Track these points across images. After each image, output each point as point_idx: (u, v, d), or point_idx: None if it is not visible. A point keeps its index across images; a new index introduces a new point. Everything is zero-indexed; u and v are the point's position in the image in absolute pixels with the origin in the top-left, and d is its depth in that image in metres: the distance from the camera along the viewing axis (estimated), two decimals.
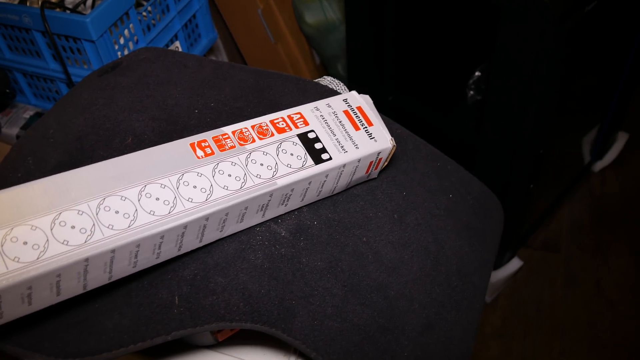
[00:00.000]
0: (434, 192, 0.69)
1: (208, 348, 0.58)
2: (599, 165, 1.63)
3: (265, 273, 0.51)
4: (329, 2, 1.44)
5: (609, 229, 1.52)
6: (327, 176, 0.55)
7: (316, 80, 0.73)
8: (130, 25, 1.03)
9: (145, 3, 1.11)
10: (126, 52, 1.03)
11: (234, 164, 0.49)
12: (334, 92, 0.70)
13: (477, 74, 1.59)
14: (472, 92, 1.63)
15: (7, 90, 1.04)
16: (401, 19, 1.22)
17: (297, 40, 1.54)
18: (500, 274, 1.34)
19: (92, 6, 1.06)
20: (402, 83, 1.32)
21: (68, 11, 1.03)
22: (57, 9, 1.01)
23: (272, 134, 0.54)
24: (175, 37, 1.16)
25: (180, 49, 1.18)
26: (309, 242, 0.56)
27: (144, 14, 1.08)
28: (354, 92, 0.62)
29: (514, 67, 0.96)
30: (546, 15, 0.87)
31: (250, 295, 0.49)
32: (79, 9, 1.08)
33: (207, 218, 0.46)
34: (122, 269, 0.44)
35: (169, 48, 1.15)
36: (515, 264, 1.36)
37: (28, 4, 1.03)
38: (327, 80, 0.74)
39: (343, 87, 0.74)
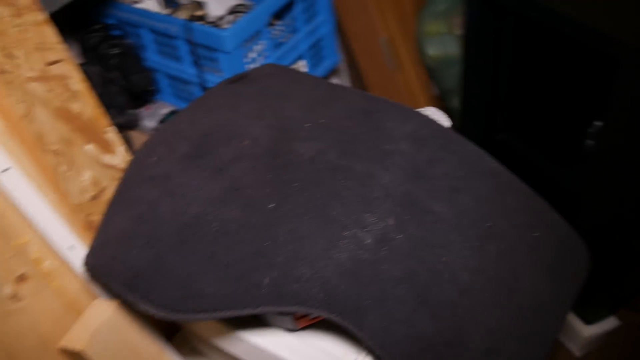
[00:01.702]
0: (520, 228, 0.72)
1: (288, 331, 0.64)
2: None
3: (346, 272, 0.57)
4: (452, 37, 1.49)
5: None
6: None
7: (419, 109, 0.78)
8: (262, 42, 1.13)
9: (277, 23, 1.22)
10: (256, 65, 1.14)
11: None
12: (434, 122, 0.75)
13: (599, 123, 1.57)
14: (591, 142, 1.60)
15: (151, 88, 1.18)
16: (517, 60, 1.24)
17: (416, 70, 1.60)
18: (593, 330, 1.30)
19: (230, 22, 1.18)
20: (513, 123, 1.34)
21: (209, 25, 1.15)
22: (201, 22, 1.14)
23: None
24: (302, 57, 1.25)
25: (305, 68, 1.27)
26: (390, 252, 0.61)
27: (275, 32, 1.18)
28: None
29: (630, 122, 0.94)
30: None
31: (330, 288, 0.56)
32: (219, 22, 1.20)
33: None
34: None
35: (294, 66, 1.24)
36: (611, 323, 1.32)
37: (176, 15, 1.17)
38: (431, 111, 0.79)
39: (445, 118, 0.79)
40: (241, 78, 0.80)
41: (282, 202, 0.61)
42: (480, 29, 1.18)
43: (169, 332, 0.84)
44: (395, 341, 0.56)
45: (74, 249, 0.67)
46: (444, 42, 1.52)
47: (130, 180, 0.67)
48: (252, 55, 1.13)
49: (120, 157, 0.72)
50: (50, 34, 0.64)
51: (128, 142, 1.02)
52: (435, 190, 0.68)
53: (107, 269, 0.62)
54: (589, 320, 1.30)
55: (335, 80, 1.60)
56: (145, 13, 1.15)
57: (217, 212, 0.60)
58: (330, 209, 0.61)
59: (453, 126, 0.75)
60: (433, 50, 1.54)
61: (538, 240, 0.73)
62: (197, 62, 1.11)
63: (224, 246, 0.57)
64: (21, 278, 0.64)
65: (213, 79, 1.13)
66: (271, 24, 1.21)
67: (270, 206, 0.61)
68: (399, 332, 0.57)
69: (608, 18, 0.92)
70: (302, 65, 1.26)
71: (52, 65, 0.64)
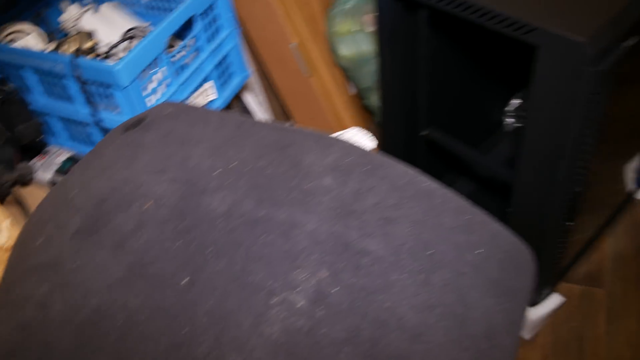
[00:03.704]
0: (462, 249, 0.67)
1: None
2: None
3: (281, 349, 0.50)
4: (364, 35, 1.43)
5: None
6: None
7: (340, 132, 0.72)
8: (162, 69, 1.04)
9: (177, 44, 1.12)
10: (158, 96, 1.04)
11: None
12: (356, 147, 0.69)
13: (516, 101, 1.56)
14: (511, 120, 1.60)
15: (38, 140, 1.06)
16: (434, 53, 1.20)
17: (331, 72, 1.53)
18: (540, 311, 1.30)
19: (127, 48, 1.08)
20: (436, 117, 1.30)
21: (100, 57, 1.05)
22: (90, 56, 1.03)
23: None
24: (208, 78, 1.17)
25: (213, 89, 1.19)
26: (328, 311, 0.54)
27: (175, 56, 1.09)
28: None
29: (549, 106, 0.93)
30: (582, 56, 0.84)
31: None
32: (113, 52, 1.10)
33: None
34: None
35: (201, 89, 1.15)
36: (555, 300, 1.32)
37: (61, 51, 1.06)
38: (353, 132, 0.73)
39: (368, 138, 0.72)
40: (136, 123, 0.71)
41: (197, 275, 0.53)
42: (393, 25, 1.13)
43: None
44: None
45: None
46: (356, 41, 1.46)
47: (14, 272, 0.57)
48: (152, 85, 1.03)
49: (4, 235, 0.63)
50: None
51: (21, 204, 0.91)
52: (367, 226, 0.62)
53: None
54: (533, 302, 1.29)
55: (249, 95, 1.52)
56: (25, 52, 1.04)
57: (120, 301, 0.51)
58: (252, 274, 0.54)
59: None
60: (346, 49, 1.48)
61: (482, 257, 0.69)
62: (90, 101, 1.00)
63: (133, 344, 0.49)
64: None
65: (110, 117, 1.03)
66: (171, 46, 1.11)
67: (183, 282, 0.53)
68: None
69: (526, 8, 0.90)
70: (209, 87, 1.17)
71: None
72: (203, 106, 1.04)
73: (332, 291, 0.56)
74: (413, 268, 0.62)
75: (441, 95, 1.29)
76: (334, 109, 1.56)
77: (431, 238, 0.65)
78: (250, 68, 1.57)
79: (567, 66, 0.86)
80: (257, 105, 1.54)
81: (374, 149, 0.67)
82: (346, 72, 1.55)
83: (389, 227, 0.64)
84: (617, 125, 1.22)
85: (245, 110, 1.54)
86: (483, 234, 0.71)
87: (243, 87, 1.45)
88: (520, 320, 0.70)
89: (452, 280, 0.63)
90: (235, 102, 1.50)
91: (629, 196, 1.58)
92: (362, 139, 0.71)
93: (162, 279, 0.53)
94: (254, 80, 1.57)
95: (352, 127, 0.72)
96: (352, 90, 1.64)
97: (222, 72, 1.22)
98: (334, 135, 0.71)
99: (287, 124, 0.71)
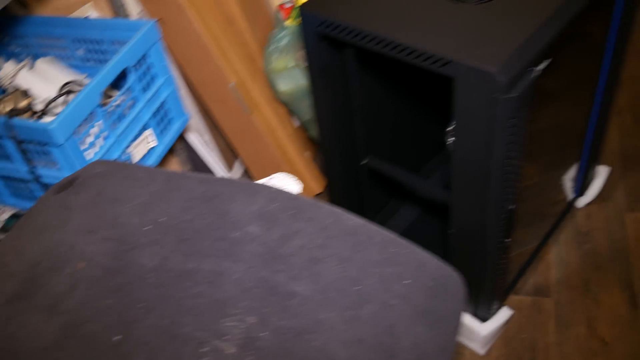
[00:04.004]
0: (389, 281, 0.70)
1: None
2: (582, 202, 1.64)
3: None
4: (300, 70, 1.47)
5: (597, 265, 1.52)
6: None
7: (266, 179, 0.75)
8: (98, 123, 1.06)
9: (114, 94, 1.14)
10: (96, 149, 1.06)
11: None
12: (282, 193, 0.72)
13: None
14: (452, 139, 1.65)
15: None
16: (365, 86, 1.24)
17: (273, 108, 1.57)
18: (491, 326, 1.33)
19: (64, 103, 1.10)
20: (375, 146, 1.34)
21: (37, 115, 1.06)
22: (26, 115, 1.05)
23: None
24: (147, 126, 1.19)
25: (153, 136, 1.21)
26: (257, 354, 0.57)
27: (112, 108, 1.11)
28: None
29: (472, 132, 0.98)
30: (494, 84, 0.89)
31: None
32: (50, 108, 1.11)
33: None
34: None
35: (141, 137, 1.18)
36: (504, 314, 1.36)
37: None
38: (279, 178, 0.76)
39: (294, 182, 0.76)
40: (68, 184, 0.74)
41: (129, 332, 0.55)
42: (323, 61, 1.17)
43: None
44: None
45: None
46: (293, 76, 1.50)
47: None
48: (90, 139, 1.05)
49: None
50: None
51: None
52: (293, 269, 0.65)
53: None
54: (483, 318, 1.33)
55: (192, 135, 1.54)
56: None
57: None
58: (182, 326, 0.56)
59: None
60: (284, 85, 1.52)
61: (410, 287, 0.72)
62: (28, 159, 1.02)
63: None
64: None
65: (50, 173, 1.04)
66: (109, 96, 1.13)
67: (115, 339, 0.55)
68: None
69: (441, 42, 0.94)
70: (149, 134, 1.19)
71: None
72: (138, 160, 1.06)
73: (261, 335, 0.58)
74: (341, 305, 0.65)
75: (377, 124, 1.33)
76: (279, 143, 1.59)
77: (358, 274, 0.68)
78: (194, 108, 1.60)
79: (482, 95, 0.90)
80: (201, 144, 1.56)
81: (300, 193, 0.71)
82: (287, 106, 1.59)
83: (316, 267, 0.67)
84: (546, 139, 1.28)
85: (191, 150, 1.56)
86: (410, 264, 0.74)
87: (186, 128, 1.48)
88: (451, 344, 0.73)
89: (380, 312, 0.66)
90: (179, 144, 1.52)
91: (570, 205, 1.64)
92: (289, 183, 0.75)
93: (94, 338, 0.55)
94: (197, 120, 1.60)
95: (279, 173, 0.75)
96: (297, 123, 1.68)
97: (160, 119, 1.24)
98: (261, 181, 0.74)
99: (217, 175, 0.74)
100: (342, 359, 0.61)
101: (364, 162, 1.32)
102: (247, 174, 1.78)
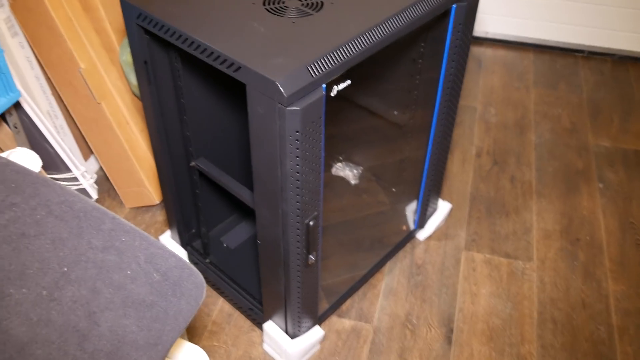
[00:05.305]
0: (108, 269, 0.69)
1: None
2: (423, 235, 1.68)
3: None
4: None
5: (423, 299, 1.55)
6: None
7: (7, 152, 0.73)
8: None
9: None
10: None
11: None
12: (12, 165, 0.70)
13: None
14: None
15: None
16: (191, 87, 1.23)
17: (125, 100, 1.54)
18: (299, 343, 1.33)
19: None
20: (204, 148, 1.34)
21: None
22: None
23: None
24: None
25: None
26: None
27: None
28: None
29: (263, 142, 0.97)
30: (278, 95, 0.89)
31: None
32: None
33: None
34: None
35: None
36: (316, 333, 1.36)
37: None
38: (19, 152, 0.74)
39: (35, 158, 0.74)
40: None
41: None
42: (145, 56, 1.14)
43: None
44: None
45: None
46: None
47: None
48: None
49: None
50: None
51: None
52: None
53: None
54: (293, 334, 1.33)
55: (36, 117, 1.49)
56: None
57: None
58: None
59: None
60: (135, 78, 1.50)
61: (131, 277, 0.71)
62: None
63: None
64: None
65: None
66: None
67: None
68: None
69: (239, 48, 0.94)
70: None
71: None
72: None
73: None
74: (39, 283, 0.63)
75: (208, 127, 1.33)
76: (128, 137, 1.57)
77: (70, 256, 0.67)
78: (48, 91, 1.56)
79: (270, 104, 0.91)
80: (50, 127, 1.51)
81: (39, 170, 0.69)
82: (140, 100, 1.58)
83: (25, 240, 0.65)
84: (384, 171, 1.30)
85: (37, 132, 1.51)
86: (137, 256, 0.73)
87: (33, 109, 1.43)
88: (166, 341, 0.71)
89: (83, 297, 0.65)
90: (18, 122, 1.47)
91: (410, 236, 1.68)
92: (29, 159, 0.73)
93: None
94: (48, 102, 1.56)
95: (21, 148, 0.74)
96: None
97: None
98: (3, 154, 0.72)
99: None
100: (20, 339, 0.59)
101: (192, 164, 1.31)
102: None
